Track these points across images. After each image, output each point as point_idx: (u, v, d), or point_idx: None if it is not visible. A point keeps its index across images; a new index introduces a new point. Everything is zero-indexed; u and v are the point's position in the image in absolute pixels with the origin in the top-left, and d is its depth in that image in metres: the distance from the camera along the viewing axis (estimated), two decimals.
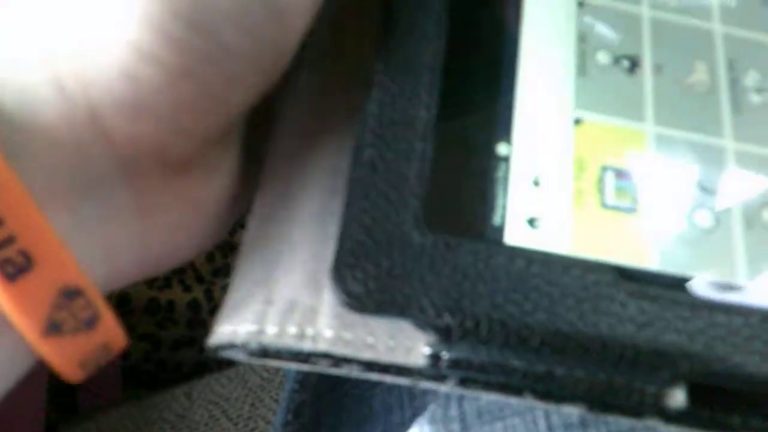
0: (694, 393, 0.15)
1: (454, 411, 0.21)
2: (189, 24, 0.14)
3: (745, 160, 0.18)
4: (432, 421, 0.21)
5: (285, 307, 0.16)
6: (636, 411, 0.15)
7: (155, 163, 0.16)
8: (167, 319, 0.56)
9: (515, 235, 0.16)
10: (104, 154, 0.15)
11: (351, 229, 0.15)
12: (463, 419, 0.21)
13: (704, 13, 0.19)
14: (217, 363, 0.53)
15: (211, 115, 0.16)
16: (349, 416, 0.24)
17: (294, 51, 0.17)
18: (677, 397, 0.15)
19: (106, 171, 0.15)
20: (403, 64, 0.17)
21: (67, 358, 0.14)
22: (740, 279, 0.16)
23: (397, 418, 0.22)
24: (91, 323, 0.14)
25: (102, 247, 0.16)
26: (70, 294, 0.14)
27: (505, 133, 0.17)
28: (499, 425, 0.20)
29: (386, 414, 0.23)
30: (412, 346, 0.15)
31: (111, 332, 0.15)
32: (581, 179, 0.17)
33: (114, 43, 0.14)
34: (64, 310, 0.14)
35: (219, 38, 0.15)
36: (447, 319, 0.14)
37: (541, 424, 0.20)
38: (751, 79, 0.19)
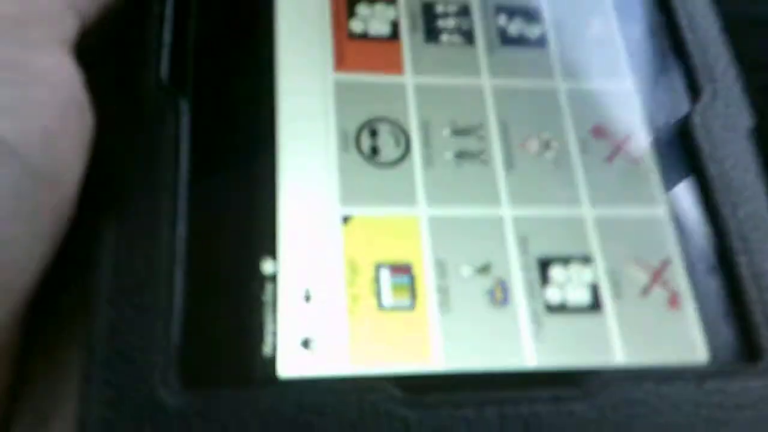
0: None
1: None
2: None
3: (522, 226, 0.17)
4: None
5: None
6: None
7: None
8: None
9: (289, 363, 0.15)
10: None
11: (91, 407, 0.14)
12: None
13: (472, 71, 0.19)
14: None
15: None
16: None
17: (73, 202, 0.15)
18: None
19: None
20: (135, 197, 0.15)
21: None
22: (530, 358, 0.16)
23: None
24: None
25: None
26: None
27: (270, 248, 0.16)
28: None
29: None
30: None
31: None
32: (355, 284, 0.16)
33: None
34: None
35: None
36: None
37: None
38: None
